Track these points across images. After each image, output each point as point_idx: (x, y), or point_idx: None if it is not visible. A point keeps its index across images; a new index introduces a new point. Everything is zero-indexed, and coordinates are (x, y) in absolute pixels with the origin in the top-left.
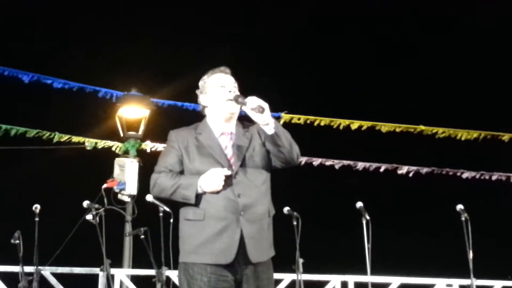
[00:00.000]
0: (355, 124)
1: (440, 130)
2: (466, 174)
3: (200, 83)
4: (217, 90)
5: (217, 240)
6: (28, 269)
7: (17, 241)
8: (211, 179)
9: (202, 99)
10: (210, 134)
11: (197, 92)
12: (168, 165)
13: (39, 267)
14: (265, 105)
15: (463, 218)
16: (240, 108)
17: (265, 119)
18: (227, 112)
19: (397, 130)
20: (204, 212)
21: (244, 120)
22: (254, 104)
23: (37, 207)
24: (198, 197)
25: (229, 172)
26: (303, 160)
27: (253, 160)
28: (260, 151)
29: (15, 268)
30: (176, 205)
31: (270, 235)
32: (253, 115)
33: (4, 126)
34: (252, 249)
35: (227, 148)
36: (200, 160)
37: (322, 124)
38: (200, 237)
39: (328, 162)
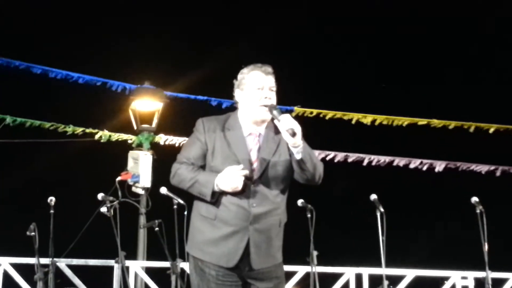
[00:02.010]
0: (367, 118)
1: (453, 123)
2: (480, 168)
3: (239, 76)
4: (253, 92)
5: (223, 243)
6: (44, 261)
7: (33, 233)
8: (229, 179)
9: (237, 94)
10: (238, 133)
11: (234, 82)
12: (191, 158)
13: (55, 259)
14: (298, 129)
15: (478, 211)
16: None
17: (296, 142)
18: (258, 117)
19: (410, 124)
20: (216, 212)
21: None
22: (286, 126)
23: (52, 200)
24: (215, 194)
25: (246, 172)
26: (316, 153)
27: (275, 169)
28: (284, 162)
29: (31, 260)
30: (190, 197)
31: (278, 242)
32: (284, 135)
33: (19, 119)
34: (256, 257)
35: (252, 151)
36: (222, 160)
37: (334, 118)
38: (207, 236)
39: (341, 156)
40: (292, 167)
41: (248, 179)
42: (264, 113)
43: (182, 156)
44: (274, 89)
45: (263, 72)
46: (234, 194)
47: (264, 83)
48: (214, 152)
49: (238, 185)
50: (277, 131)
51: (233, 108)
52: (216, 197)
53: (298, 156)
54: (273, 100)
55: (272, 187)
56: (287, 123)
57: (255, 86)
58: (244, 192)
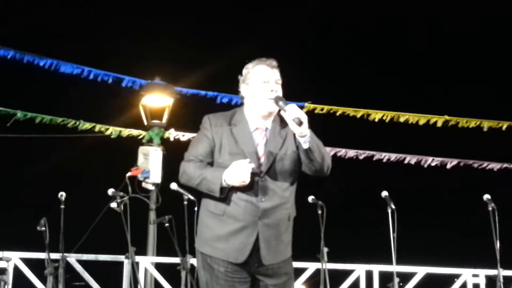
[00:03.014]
0: (378, 114)
1: (464, 120)
2: (492, 165)
3: (244, 71)
4: (259, 85)
5: (232, 239)
6: (54, 256)
7: (43, 228)
8: (236, 173)
9: (243, 89)
10: (244, 128)
11: (239, 78)
12: (199, 155)
13: (65, 254)
14: (304, 118)
15: (490, 208)
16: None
17: (302, 131)
18: (265, 111)
19: (421, 121)
20: (225, 208)
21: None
22: (293, 115)
23: (62, 195)
24: (223, 190)
25: (253, 165)
26: (327, 150)
27: (283, 163)
28: (291, 155)
29: (41, 255)
30: (200, 193)
31: (288, 237)
32: (290, 124)
33: (29, 114)
34: (266, 253)
35: (259, 146)
36: (229, 156)
37: (345, 114)
38: (216, 232)
39: (352, 152)
40: (299, 160)
41: (255, 174)
42: (271, 105)
43: (189, 154)
44: (280, 82)
45: (268, 65)
46: (242, 189)
47: (269, 76)
48: (221, 148)
49: (245, 179)
50: (283, 125)
51: (242, 104)
52: (225, 193)
53: (305, 146)
54: (279, 93)
55: (280, 181)
56: (294, 112)
57: (260, 80)
58: (252, 187)
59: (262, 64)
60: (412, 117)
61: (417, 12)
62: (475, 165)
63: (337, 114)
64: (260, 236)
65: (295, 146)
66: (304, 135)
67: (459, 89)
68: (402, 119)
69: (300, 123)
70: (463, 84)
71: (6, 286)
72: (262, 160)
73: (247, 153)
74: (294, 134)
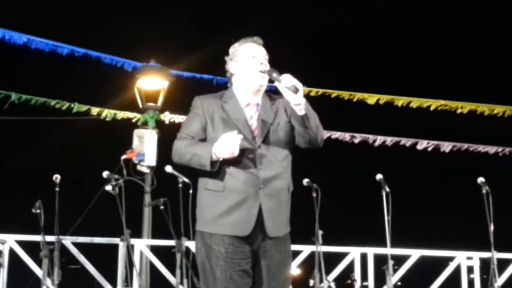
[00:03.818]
0: (373, 98)
1: (460, 104)
2: (487, 149)
3: (231, 50)
4: (248, 60)
5: (235, 212)
6: (49, 238)
7: (38, 211)
8: (224, 145)
9: (232, 66)
10: (235, 104)
11: (226, 58)
12: (191, 132)
13: (60, 237)
14: (300, 85)
15: (484, 191)
16: (270, 82)
17: (298, 99)
18: (256, 84)
19: (414, 104)
20: (224, 183)
21: (271, 93)
22: (288, 83)
23: (57, 177)
24: (214, 164)
25: (241, 136)
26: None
27: (277, 134)
28: (284, 126)
29: (37, 238)
30: (195, 174)
31: (288, 211)
32: (286, 94)
33: (24, 96)
34: (270, 223)
35: (252, 119)
36: (223, 130)
37: (339, 97)
38: (218, 208)
39: (347, 136)
40: (293, 132)
41: (251, 147)
42: (261, 79)
43: (182, 133)
44: (267, 57)
45: (255, 42)
46: (240, 162)
47: (257, 51)
48: (214, 123)
49: (234, 150)
50: (272, 101)
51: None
52: (216, 167)
53: (301, 113)
54: (267, 67)
55: (276, 152)
56: (289, 80)
57: (249, 55)
58: (250, 159)
59: (249, 41)
60: (407, 101)
61: None
62: (470, 149)
63: (332, 96)
64: (263, 206)
65: (287, 118)
66: (300, 103)
67: (456, 74)
68: (397, 103)
69: (296, 91)
70: (461, 69)
71: (1, 268)
72: (256, 133)
73: (240, 127)
74: (285, 108)
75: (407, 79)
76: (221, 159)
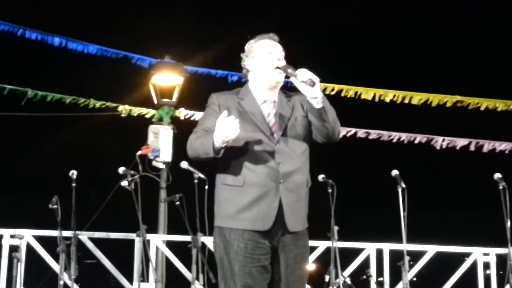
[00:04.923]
0: (389, 94)
1: (475, 100)
2: (504, 145)
3: (247, 47)
4: (265, 56)
5: (256, 206)
6: (66, 233)
7: (55, 206)
8: (219, 129)
9: (248, 62)
10: (252, 100)
11: (242, 55)
12: (206, 128)
13: (77, 232)
14: (316, 79)
15: (500, 187)
16: (286, 78)
17: (315, 93)
18: (272, 80)
19: (433, 101)
20: (244, 178)
21: (287, 90)
22: (305, 77)
23: (73, 173)
24: (218, 151)
25: (232, 117)
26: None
27: (294, 129)
28: (302, 121)
29: (54, 233)
30: (211, 170)
31: (306, 206)
32: (302, 88)
33: (40, 93)
34: (290, 218)
35: (270, 115)
36: (241, 126)
37: (354, 94)
38: (238, 203)
39: (363, 132)
40: (310, 126)
41: (270, 142)
42: (278, 75)
43: (198, 128)
44: (283, 53)
45: (271, 39)
46: (259, 157)
47: (274, 48)
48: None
49: (228, 134)
50: (288, 97)
51: (246, 82)
52: (221, 154)
53: (318, 106)
54: (284, 63)
55: (294, 147)
56: (305, 74)
57: (266, 51)
58: (268, 154)
59: (265, 38)
60: (423, 97)
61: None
62: (486, 145)
63: (349, 94)
64: (283, 201)
65: (303, 112)
66: (317, 97)
67: (471, 69)
68: (413, 100)
69: (313, 84)
70: (477, 64)
71: (19, 263)
72: (274, 128)
73: (258, 123)
74: (301, 103)
75: (412, 78)
76: (223, 145)
